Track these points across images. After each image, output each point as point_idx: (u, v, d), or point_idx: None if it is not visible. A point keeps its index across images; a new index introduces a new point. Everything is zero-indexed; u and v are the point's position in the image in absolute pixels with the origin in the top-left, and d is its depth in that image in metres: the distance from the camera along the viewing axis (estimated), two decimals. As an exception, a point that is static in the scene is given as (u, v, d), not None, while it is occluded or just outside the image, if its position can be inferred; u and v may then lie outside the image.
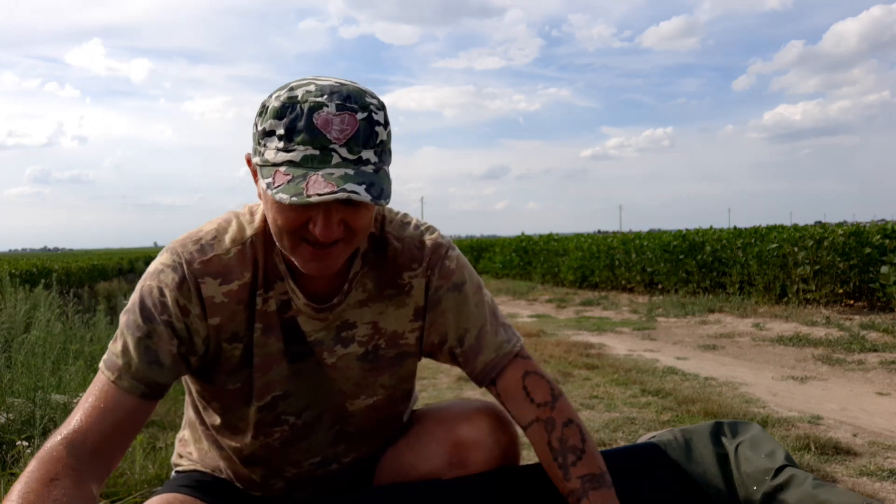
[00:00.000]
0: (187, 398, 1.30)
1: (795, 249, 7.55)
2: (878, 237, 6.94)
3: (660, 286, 10.09)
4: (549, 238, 14.78)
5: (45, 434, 2.41)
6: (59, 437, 1.02)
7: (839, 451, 2.54)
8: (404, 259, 1.20)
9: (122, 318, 1.11)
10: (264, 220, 1.14)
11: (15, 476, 2.01)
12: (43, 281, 7.66)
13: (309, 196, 0.92)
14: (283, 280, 1.14)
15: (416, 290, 1.21)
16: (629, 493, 1.30)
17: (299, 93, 0.98)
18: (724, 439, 1.39)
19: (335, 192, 0.91)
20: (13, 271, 9.11)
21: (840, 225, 8.18)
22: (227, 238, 1.13)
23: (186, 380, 1.24)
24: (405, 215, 1.25)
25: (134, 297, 1.11)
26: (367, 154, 0.97)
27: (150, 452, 2.34)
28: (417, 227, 1.23)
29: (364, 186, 0.94)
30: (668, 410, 3.22)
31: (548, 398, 1.21)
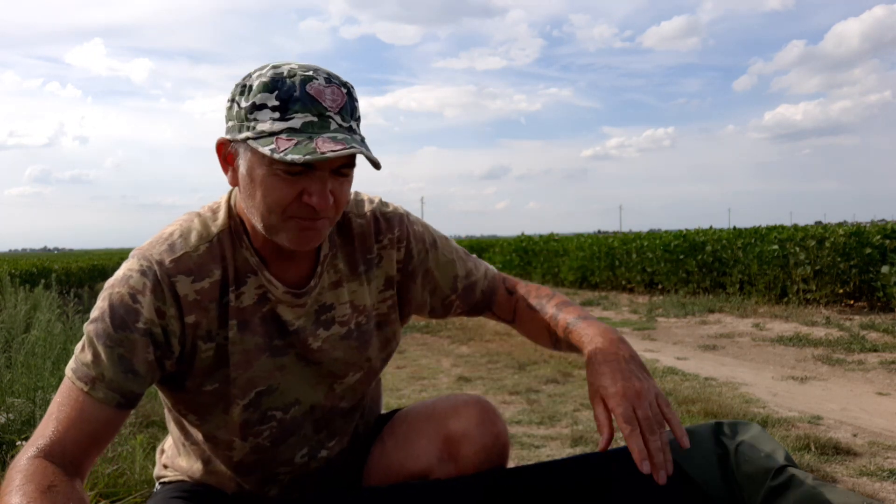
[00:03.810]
0: (167, 414, 1.28)
1: (797, 249, 7.55)
2: (879, 237, 6.94)
3: (660, 286, 10.08)
4: (549, 238, 14.78)
5: (45, 434, 2.41)
6: (34, 450, 0.99)
7: (839, 451, 2.54)
8: (370, 233, 1.24)
9: (89, 327, 1.07)
10: (228, 217, 1.15)
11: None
12: (43, 281, 7.66)
13: (324, 153, 0.95)
14: (255, 274, 1.13)
15: (387, 261, 1.26)
16: (629, 494, 1.30)
17: (284, 69, 1.03)
18: (724, 439, 1.39)
19: (348, 148, 0.96)
20: (13, 271, 9.11)
21: (840, 225, 8.19)
22: (194, 236, 1.13)
23: (162, 396, 1.21)
24: (356, 193, 1.29)
25: (101, 305, 1.08)
26: (354, 125, 1.05)
27: (149, 452, 2.34)
28: (372, 201, 1.29)
29: (364, 148, 1.00)
30: (668, 410, 3.22)
31: (528, 286, 1.37)
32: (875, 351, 4.86)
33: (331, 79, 1.03)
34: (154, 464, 2.18)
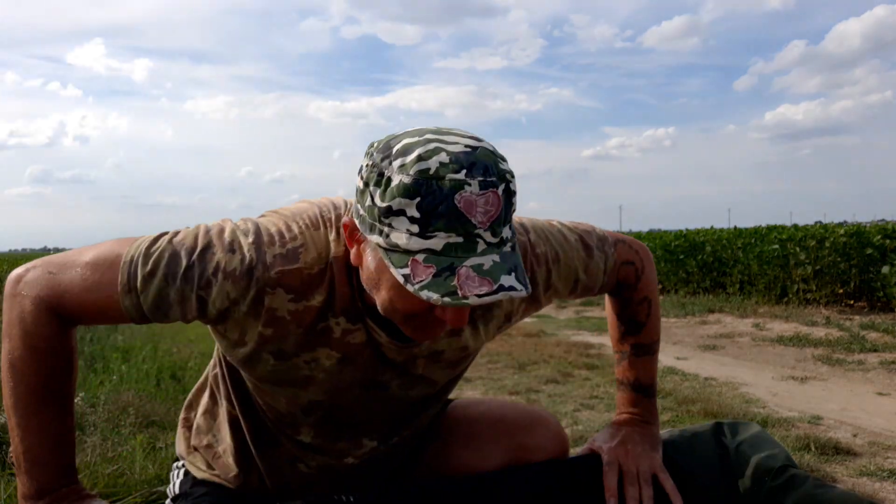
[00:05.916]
0: (216, 387, 1.25)
1: (798, 249, 7.55)
2: (879, 237, 6.94)
3: (660, 286, 10.09)
4: (550, 238, 14.77)
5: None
6: (46, 290, 1.02)
7: (839, 451, 2.54)
8: None
9: (169, 248, 1.00)
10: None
11: (15, 476, 2.00)
12: (43, 281, 7.63)
13: (466, 297, 0.82)
14: (363, 317, 1.05)
15: (508, 301, 1.15)
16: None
17: (432, 165, 0.85)
18: (724, 439, 1.39)
19: (494, 293, 0.83)
20: (13, 271, 9.08)
21: (840, 225, 8.19)
22: (314, 251, 1.02)
23: (226, 374, 1.18)
24: None
25: (189, 244, 1.00)
26: (506, 232, 0.88)
27: (150, 452, 2.34)
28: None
29: (514, 275, 0.85)
30: (668, 410, 3.22)
31: (631, 281, 1.35)
32: (875, 351, 4.85)
33: (487, 180, 0.85)
34: (154, 464, 2.18)
